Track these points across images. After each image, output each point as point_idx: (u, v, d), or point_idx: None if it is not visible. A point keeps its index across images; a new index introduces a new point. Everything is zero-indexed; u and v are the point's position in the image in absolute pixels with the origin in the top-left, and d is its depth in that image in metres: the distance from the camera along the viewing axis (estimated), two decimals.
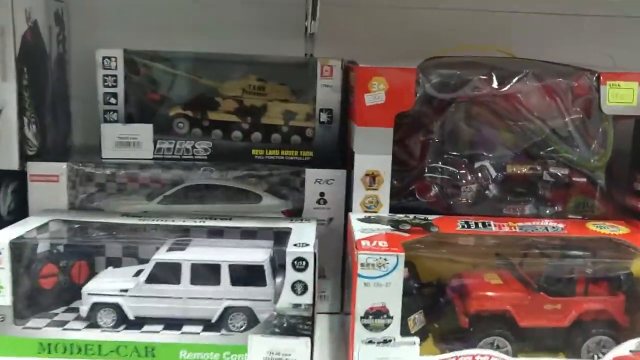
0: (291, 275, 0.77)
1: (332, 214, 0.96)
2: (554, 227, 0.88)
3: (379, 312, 0.76)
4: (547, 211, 0.97)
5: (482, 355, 0.79)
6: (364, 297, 0.75)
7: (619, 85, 0.91)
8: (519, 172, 0.98)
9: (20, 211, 0.93)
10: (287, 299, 0.77)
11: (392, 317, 0.76)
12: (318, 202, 0.96)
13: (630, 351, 0.81)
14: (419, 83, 0.90)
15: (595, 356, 0.83)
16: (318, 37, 1.12)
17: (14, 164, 0.91)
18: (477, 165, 0.98)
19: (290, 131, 1.01)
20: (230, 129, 1.00)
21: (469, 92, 0.92)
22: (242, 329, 0.80)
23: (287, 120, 1.01)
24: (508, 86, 0.92)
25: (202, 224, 0.88)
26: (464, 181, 0.98)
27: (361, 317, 0.75)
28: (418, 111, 0.95)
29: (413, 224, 0.86)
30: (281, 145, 1.00)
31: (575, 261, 0.84)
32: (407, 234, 0.82)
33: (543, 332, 0.83)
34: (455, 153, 0.98)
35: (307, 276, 0.77)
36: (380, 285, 0.75)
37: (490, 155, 0.99)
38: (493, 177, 0.98)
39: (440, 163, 0.98)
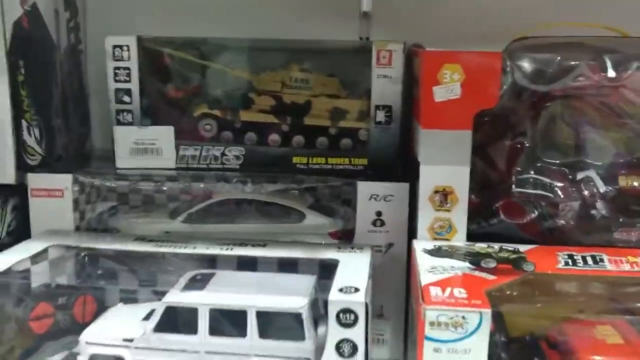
0: (336, 331, 0.58)
1: (391, 239, 0.77)
2: None
3: None
4: None
5: None
6: None
7: None
8: (635, 185, 0.76)
9: (22, 232, 0.78)
10: None
11: None
12: (374, 223, 0.77)
13: None
14: (505, 72, 0.69)
15: None
16: (375, 16, 0.92)
17: (9, 177, 0.76)
18: (580, 176, 0.76)
19: (340, 133, 0.82)
20: (266, 131, 0.82)
21: (572, 83, 0.70)
22: None
23: (335, 120, 0.82)
24: (626, 74, 0.70)
25: (229, 252, 0.71)
26: (563, 197, 0.76)
27: None
28: (504, 108, 0.74)
29: (500, 259, 0.66)
30: (329, 151, 0.81)
31: None
32: (492, 276, 0.62)
33: None
34: (552, 161, 0.77)
35: (357, 333, 0.58)
36: (457, 351, 0.55)
37: (598, 163, 0.76)
38: (601, 191, 0.75)
39: (532, 174, 0.76)
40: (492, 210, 0.76)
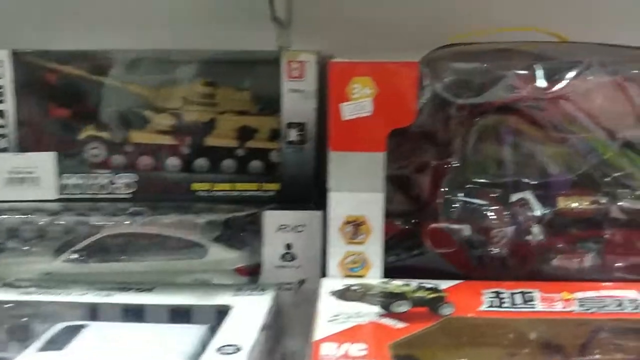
0: None
1: (303, 274, 0.68)
2: (632, 302, 0.57)
3: None
4: (619, 264, 0.67)
5: None
6: None
7: None
8: (575, 207, 0.68)
9: None
10: None
11: None
12: (283, 257, 0.68)
13: None
14: (424, 83, 0.60)
15: None
16: (295, 23, 0.84)
17: None
18: (514, 198, 0.68)
19: (249, 155, 0.73)
20: (163, 154, 0.72)
21: (502, 94, 0.62)
22: None
23: (243, 140, 0.73)
24: (561, 84, 0.62)
25: (109, 299, 0.61)
26: (495, 222, 0.68)
27: None
28: (426, 123, 0.66)
29: (415, 301, 0.57)
30: (236, 175, 0.72)
31: None
32: (402, 324, 0.53)
33: None
34: (484, 182, 0.68)
35: None
36: None
37: (535, 183, 0.69)
38: (538, 214, 0.67)
39: (461, 197, 0.68)
40: (415, 240, 0.68)
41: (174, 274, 0.70)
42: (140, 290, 0.63)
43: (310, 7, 0.83)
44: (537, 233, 0.67)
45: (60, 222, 0.70)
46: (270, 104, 0.72)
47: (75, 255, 0.69)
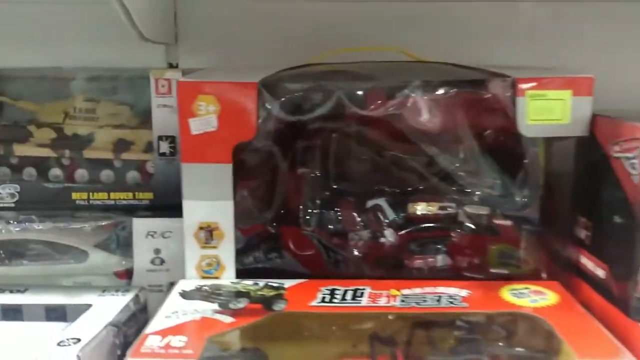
0: None
1: (173, 277, 0.73)
2: (451, 298, 0.64)
3: None
4: (464, 264, 0.73)
5: None
6: None
7: (545, 95, 0.66)
8: (425, 212, 0.74)
9: None
10: None
11: None
12: (152, 261, 0.73)
13: None
14: (264, 102, 0.66)
15: None
16: (183, 41, 0.89)
17: None
18: (369, 204, 0.75)
19: (126, 166, 0.78)
20: (46, 166, 0.78)
21: (335, 112, 0.67)
22: None
23: (119, 152, 0.78)
24: (376, 106, 0.66)
25: None
26: (351, 227, 0.74)
27: None
28: (283, 137, 0.72)
29: (255, 299, 0.63)
30: (112, 185, 0.77)
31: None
32: (231, 319, 0.58)
33: None
34: (343, 189, 0.75)
35: None
36: None
37: (388, 190, 0.75)
38: (389, 219, 0.74)
39: (320, 204, 0.74)
40: (275, 243, 0.74)
41: (56, 277, 0.75)
42: (13, 291, 0.68)
43: (197, 26, 0.89)
44: (389, 236, 0.74)
45: None
46: (146, 118, 0.78)
47: None
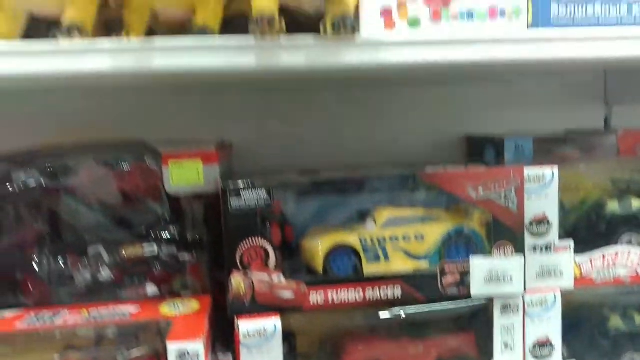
0: None
1: None
2: (121, 313, 0.87)
3: None
4: (162, 292, 0.97)
5: None
6: None
7: (182, 164, 0.90)
8: (133, 254, 0.98)
9: None
10: None
11: None
12: None
13: None
14: None
15: None
16: None
17: None
18: (91, 252, 0.99)
19: None
20: None
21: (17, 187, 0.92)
22: None
23: None
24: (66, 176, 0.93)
25: None
26: (76, 268, 0.98)
27: None
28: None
29: None
30: None
31: None
32: None
33: None
34: (67, 241, 0.99)
35: None
36: None
37: (106, 238, 0.99)
38: (107, 261, 0.98)
39: (49, 254, 0.98)
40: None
41: None
42: None
43: None
44: (106, 274, 0.98)
45: None
46: None
47: None
